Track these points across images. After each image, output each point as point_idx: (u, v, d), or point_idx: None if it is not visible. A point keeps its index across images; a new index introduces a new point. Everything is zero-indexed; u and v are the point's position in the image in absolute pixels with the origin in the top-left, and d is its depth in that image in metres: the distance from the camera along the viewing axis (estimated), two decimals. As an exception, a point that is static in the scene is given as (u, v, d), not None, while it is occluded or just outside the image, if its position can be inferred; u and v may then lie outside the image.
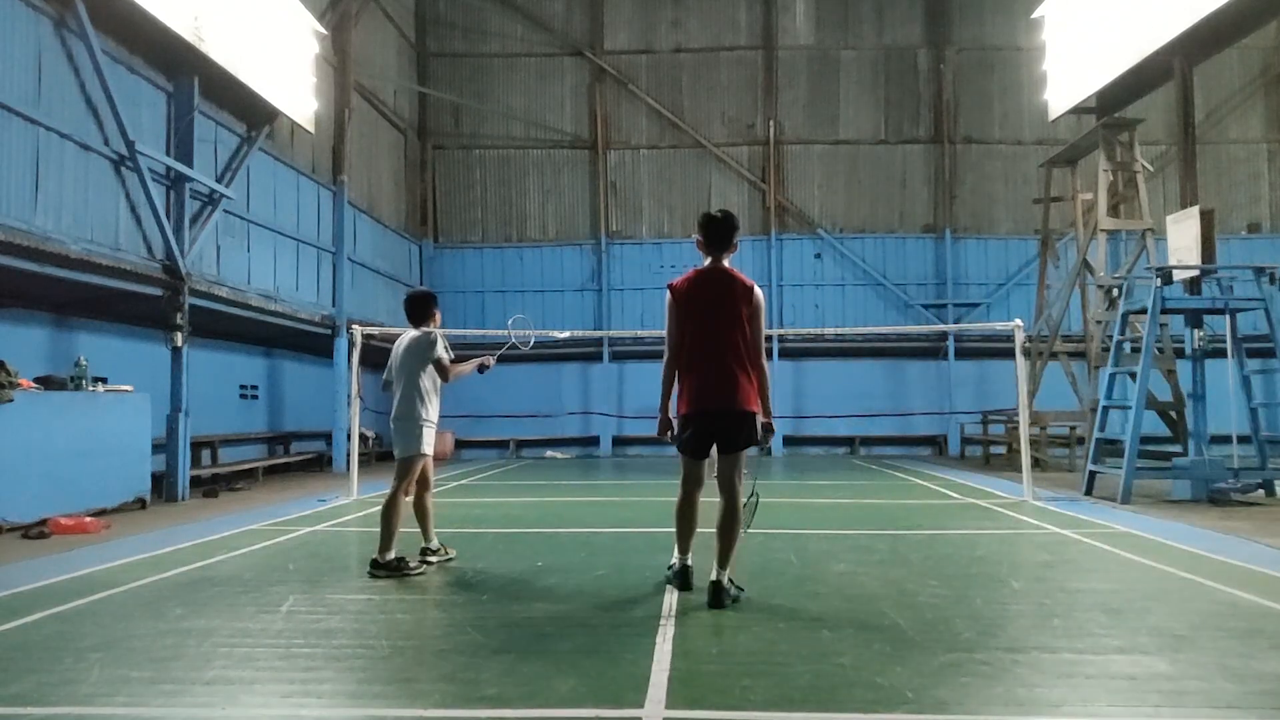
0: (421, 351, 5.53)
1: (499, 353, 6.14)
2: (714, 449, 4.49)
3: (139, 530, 7.47)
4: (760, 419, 4.44)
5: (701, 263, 4.58)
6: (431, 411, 5.56)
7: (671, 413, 4.56)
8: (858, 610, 4.37)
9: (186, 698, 3.12)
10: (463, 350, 19.60)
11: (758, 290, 4.46)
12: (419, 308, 5.77)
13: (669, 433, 4.56)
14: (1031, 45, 16.57)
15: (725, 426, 4.39)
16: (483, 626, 4.05)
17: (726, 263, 4.53)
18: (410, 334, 5.71)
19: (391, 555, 5.28)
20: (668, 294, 4.51)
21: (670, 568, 4.85)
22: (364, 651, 3.68)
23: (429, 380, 5.58)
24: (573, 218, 20.21)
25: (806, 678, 3.29)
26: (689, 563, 4.72)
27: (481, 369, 5.81)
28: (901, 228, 19.86)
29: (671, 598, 4.66)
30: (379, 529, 5.35)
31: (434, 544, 5.73)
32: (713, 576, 4.39)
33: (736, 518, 4.42)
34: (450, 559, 5.73)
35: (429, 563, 5.54)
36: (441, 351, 5.55)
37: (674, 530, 4.72)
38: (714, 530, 4.45)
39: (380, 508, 5.46)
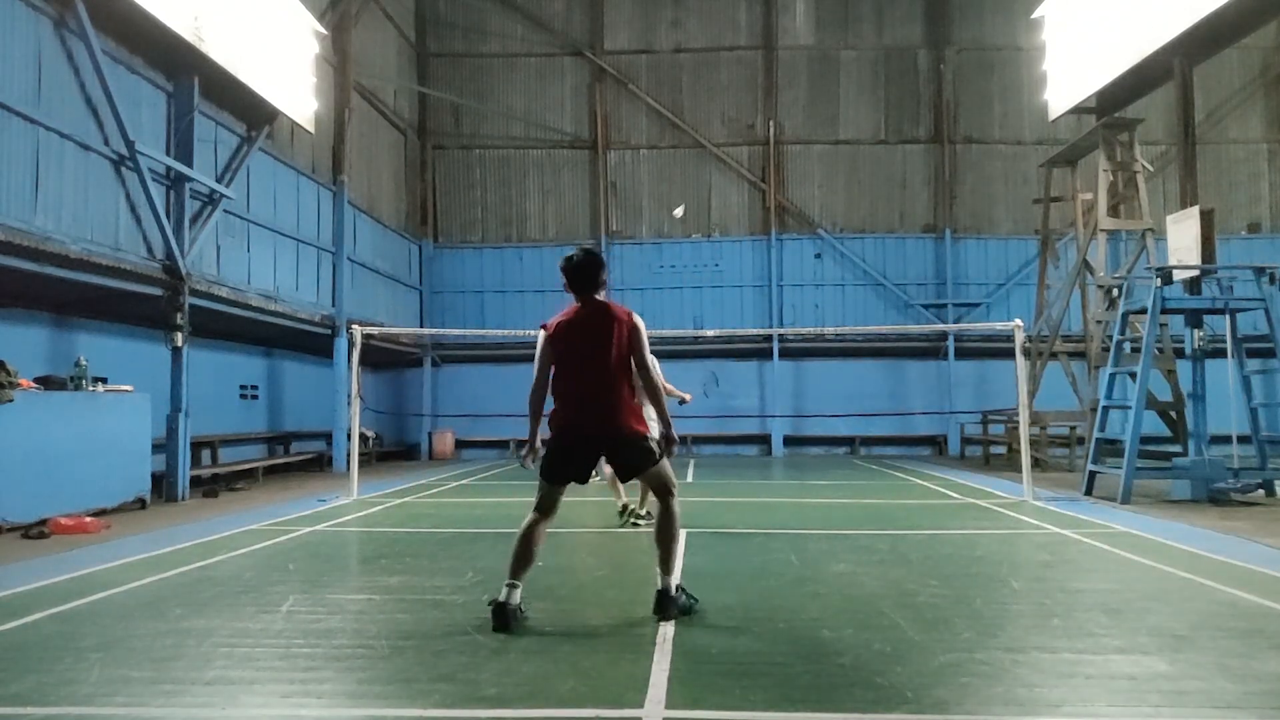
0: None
1: None
2: (592, 473, 4.38)
3: (139, 530, 7.47)
4: (652, 437, 4.31)
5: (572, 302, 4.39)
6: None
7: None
8: (858, 610, 4.37)
9: (186, 698, 3.12)
10: (463, 350, 19.62)
11: (635, 316, 4.37)
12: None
13: (531, 458, 4.45)
14: (1031, 45, 16.57)
15: (611, 449, 4.32)
16: (483, 626, 4.05)
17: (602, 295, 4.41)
18: None
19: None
20: (541, 333, 4.38)
21: (490, 602, 4.10)
22: (364, 651, 3.68)
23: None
24: (573, 218, 20.20)
25: (806, 678, 3.29)
26: (512, 599, 4.03)
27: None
28: (901, 228, 19.86)
29: (671, 598, 4.65)
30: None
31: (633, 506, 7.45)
32: (658, 585, 4.17)
33: (673, 519, 4.23)
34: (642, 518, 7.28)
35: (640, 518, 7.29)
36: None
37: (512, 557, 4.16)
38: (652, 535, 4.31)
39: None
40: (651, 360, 4.40)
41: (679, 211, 7.20)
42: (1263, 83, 19.41)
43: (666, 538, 4.21)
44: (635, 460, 4.28)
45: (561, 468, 4.26)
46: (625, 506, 7.51)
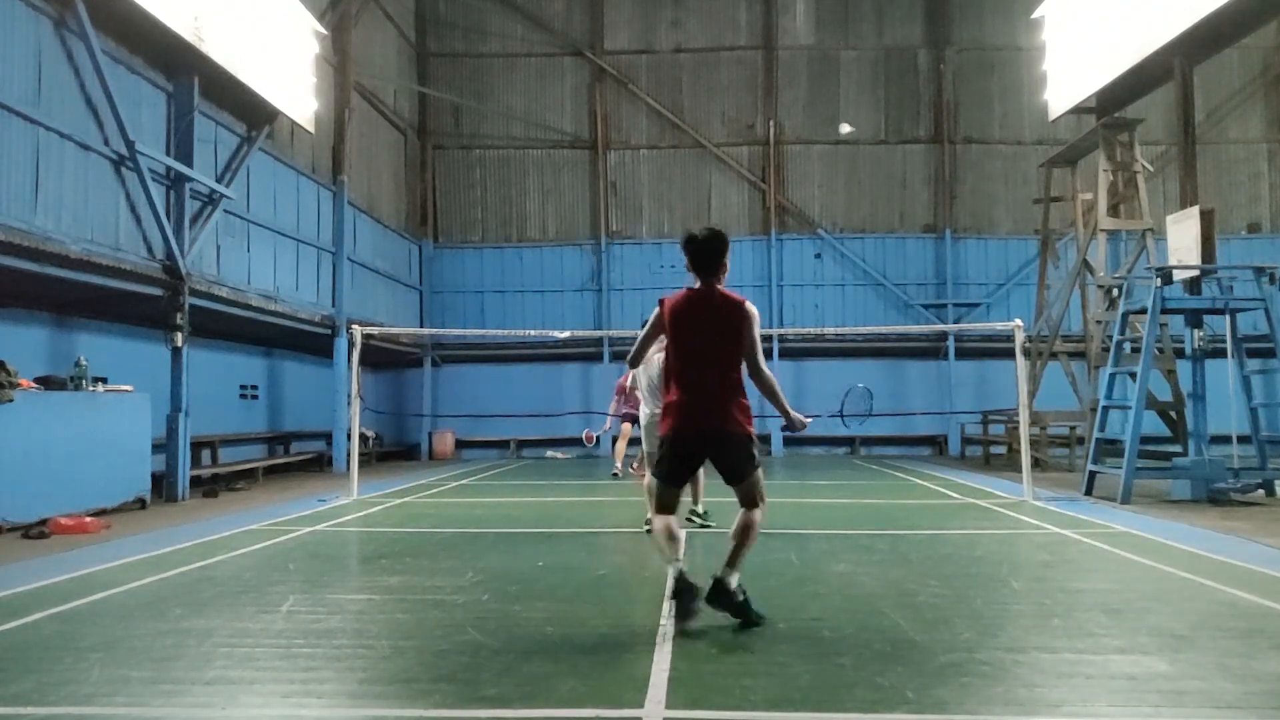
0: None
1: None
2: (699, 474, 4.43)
3: (139, 530, 7.47)
4: (753, 440, 4.18)
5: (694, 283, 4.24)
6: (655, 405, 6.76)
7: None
8: (858, 610, 4.37)
9: (186, 698, 3.12)
10: (463, 350, 19.62)
11: (751, 305, 4.23)
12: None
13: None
14: (1031, 45, 16.56)
15: (716, 450, 4.12)
16: (483, 626, 4.05)
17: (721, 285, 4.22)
18: (659, 355, 6.93)
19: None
20: (657, 307, 4.28)
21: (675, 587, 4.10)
22: (364, 651, 3.68)
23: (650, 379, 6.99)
24: (573, 218, 20.20)
25: (806, 678, 3.29)
26: (684, 571, 4.06)
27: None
28: (901, 228, 19.86)
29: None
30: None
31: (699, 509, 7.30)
32: (717, 574, 4.06)
33: (753, 526, 4.13)
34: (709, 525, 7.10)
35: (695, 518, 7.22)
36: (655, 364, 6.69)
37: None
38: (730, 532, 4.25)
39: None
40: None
41: (845, 128, 7.29)
42: (1263, 83, 19.40)
43: (745, 538, 4.09)
44: (739, 465, 4.09)
45: (679, 469, 4.18)
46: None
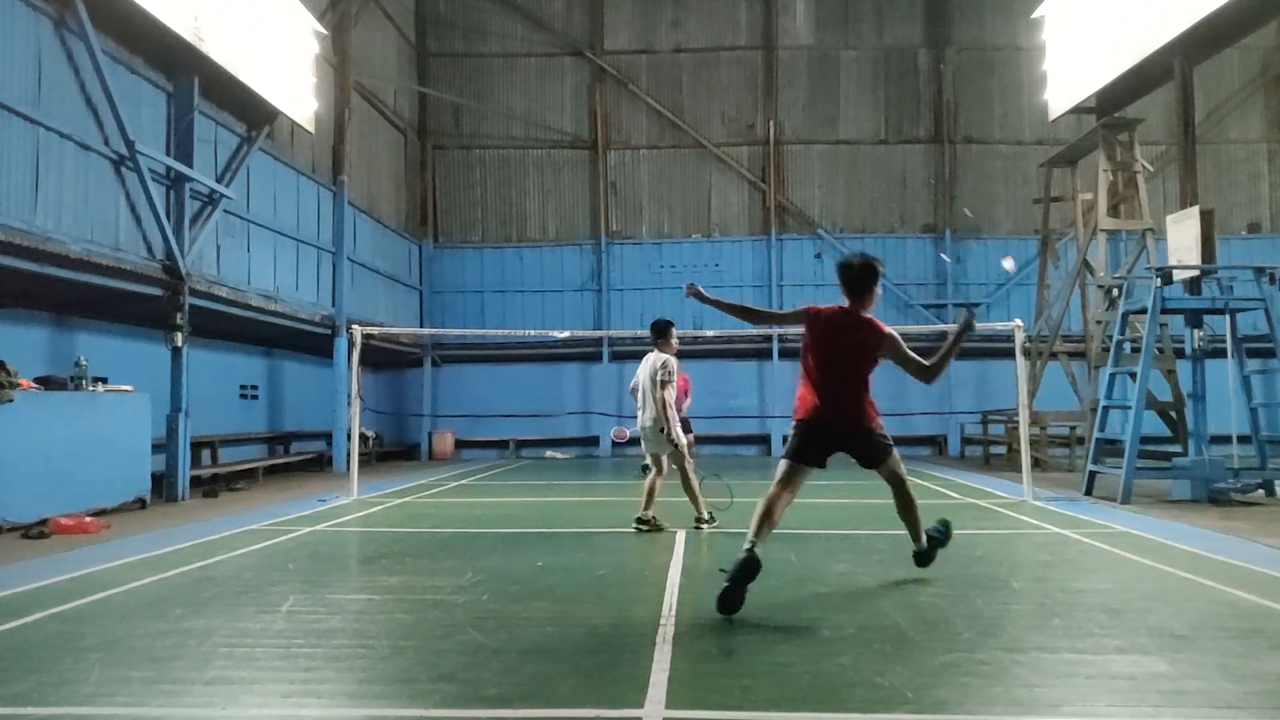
0: (655, 375, 7.03)
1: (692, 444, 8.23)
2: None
3: (139, 530, 7.47)
4: (881, 431, 4.85)
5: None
6: (673, 413, 7.00)
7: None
8: (858, 610, 4.37)
9: (186, 698, 3.12)
10: (463, 350, 19.62)
11: (887, 327, 4.79)
12: (656, 333, 7.23)
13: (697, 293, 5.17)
14: (1031, 45, 16.56)
15: (851, 442, 4.75)
16: (483, 626, 4.05)
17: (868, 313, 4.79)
18: (652, 355, 7.21)
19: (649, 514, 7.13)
20: (804, 306, 4.96)
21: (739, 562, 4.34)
22: (364, 651, 3.68)
23: (669, 389, 7.06)
24: (573, 218, 20.20)
25: (806, 678, 3.29)
26: (756, 550, 4.29)
27: (671, 440, 7.03)
28: (901, 228, 19.86)
29: (672, 598, 4.66)
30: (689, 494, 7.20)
31: (649, 515, 7.18)
32: (915, 548, 5.13)
33: (910, 499, 5.04)
34: (661, 530, 7.10)
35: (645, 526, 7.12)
36: (669, 377, 6.98)
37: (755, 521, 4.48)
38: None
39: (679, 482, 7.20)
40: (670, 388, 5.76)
41: (1008, 263, 7.21)
42: (1263, 83, 19.40)
43: (910, 512, 5.04)
44: (874, 453, 4.80)
45: (804, 449, 4.67)
46: (649, 519, 7.22)
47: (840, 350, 4.74)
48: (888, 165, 19.88)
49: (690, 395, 13.51)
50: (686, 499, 7.27)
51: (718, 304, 5.07)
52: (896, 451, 4.91)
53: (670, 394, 6.94)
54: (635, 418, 7.34)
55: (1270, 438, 9.93)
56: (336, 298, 15.00)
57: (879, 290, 4.89)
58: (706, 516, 7.22)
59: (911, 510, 5.06)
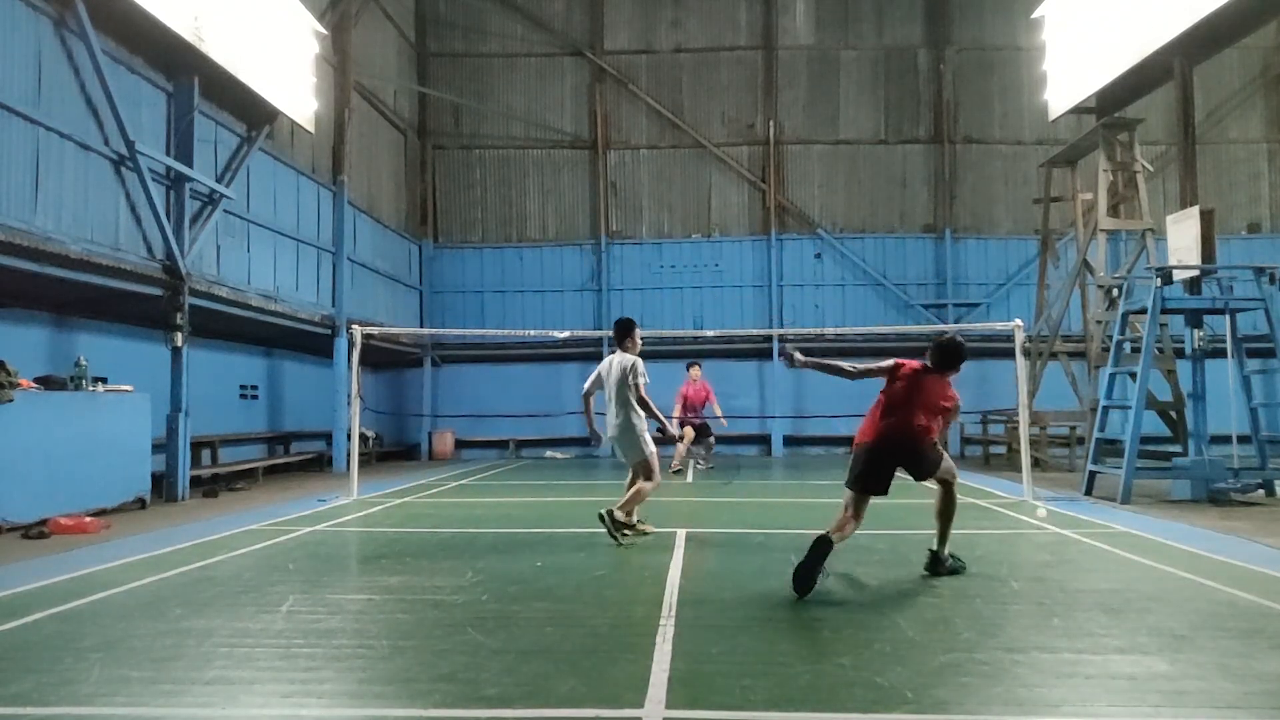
0: (626, 377, 6.72)
1: (676, 432, 7.65)
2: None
3: (139, 530, 7.47)
4: (936, 448, 5.37)
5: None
6: (642, 418, 6.77)
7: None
8: (858, 610, 4.37)
9: (186, 698, 3.12)
10: (463, 350, 19.63)
11: (956, 394, 5.44)
12: (622, 332, 6.97)
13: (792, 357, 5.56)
14: (1031, 45, 16.56)
15: (907, 459, 5.23)
16: (483, 626, 4.05)
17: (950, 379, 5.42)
18: (618, 357, 6.89)
19: (621, 516, 6.51)
20: (892, 361, 5.43)
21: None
22: (364, 651, 3.69)
23: (634, 396, 6.74)
24: (573, 218, 20.19)
25: (806, 678, 3.30)
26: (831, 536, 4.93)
27: (661, 430, 7.01)
28: (901, 228, 19.85)
29: (671, 598, 4.66)
30: (629, 497, 6.65)
31: (635, 519, 6.80)
32: (932, 548, 5.30)
33: (951, 500, 5.34)
34: (646, 533, 6.79)
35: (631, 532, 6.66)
36: (640, 380, 6.73)
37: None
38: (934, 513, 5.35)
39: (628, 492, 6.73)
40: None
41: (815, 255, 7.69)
42: (1263, 83, 19.40)
43: (949, 516, 5.33)
44: (928, 465, 5.29)
45: (869, 470, 5.15)
46: (626, 524, 6.64)
47: (917, 399, 5.28)
48: (888, 165, 19.87)
49: (714, 401, 14.09)
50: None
51: (817, 365, 5.50)
52: (948, 458, 5.43)
53: (649, 399, 6.70)
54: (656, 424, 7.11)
55: (1270, 438, 9.94)
56: (336, 298, 15.00)
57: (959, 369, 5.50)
58: (627, 519, 6.55)
59: (949, 515, 5.36)
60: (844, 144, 19.90)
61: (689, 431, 13.66)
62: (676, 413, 13.59)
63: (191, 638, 3.89)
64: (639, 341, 7.04)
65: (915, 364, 5.39)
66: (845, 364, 5.64)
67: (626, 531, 6.54)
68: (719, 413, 14.05)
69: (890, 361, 5.44)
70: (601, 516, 6.43)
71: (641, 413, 6.72)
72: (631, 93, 19.91)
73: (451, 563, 5.80)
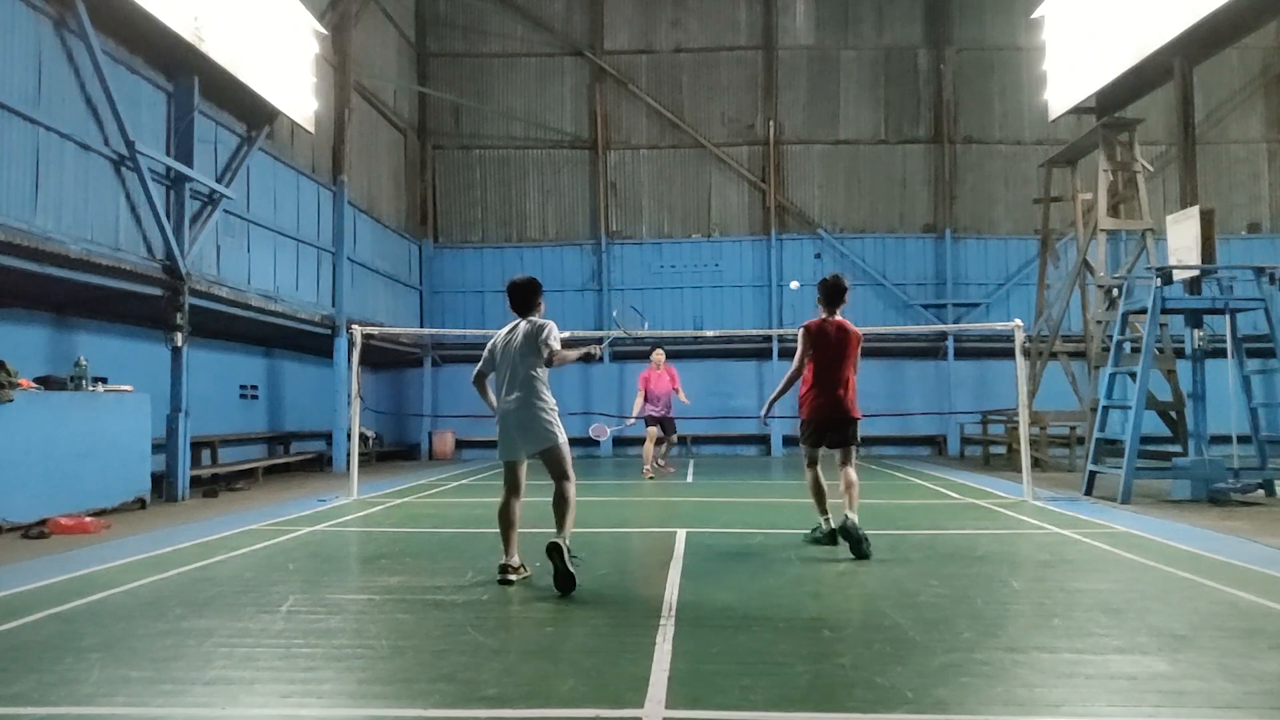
0: (541, 338, 5.22)
1: (604, 345, 6.72)
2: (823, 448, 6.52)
3: (139, 530, 7.47)
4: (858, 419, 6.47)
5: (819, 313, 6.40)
6: (553, 399, 5.34)
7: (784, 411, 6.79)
8: (858, 610, 4.37)
9: (186, 698, 3.12)
10: (463, 350, 19.61)
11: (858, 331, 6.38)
12: (528, 295, 5.47)
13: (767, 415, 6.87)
14: (1031, 45, 16.56)
15: (840, 429, 6.41)
16: (483, 626, 4.05)
17: (839, 315, 6.34)
18: (526, 320, 5.40)
19: (566, 541, 4.98)
20: (802, 329, 6.36)
21: (815, 529, 6.53)
22: (364, 651, 3.68)
23: (544, 369, 5.30)
24: (573, 218, 20.20)
25: (806, 678, 3.29)
26: (833, 524, 6.23)
27: (588, 358, 5.68)
28: (901, 228, 19.86)
29: (672, 597, 4.66)
30: (558, 517, 5.15)
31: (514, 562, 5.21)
32: (847, 523, 5.90)
33: (854, 482, 6.18)
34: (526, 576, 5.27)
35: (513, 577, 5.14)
36: (555, 338, 5.24)
37: (812, 501, 6.58)
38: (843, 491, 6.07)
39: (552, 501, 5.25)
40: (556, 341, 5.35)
41: (794, 284, 7.40)
42: (1263, 83, 19.40)
43: (854, 491, 6.16)
44: (851, 435, 6.46)
45: (818, 436, 6.49)
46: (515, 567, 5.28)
47: (835, 351, 6.39)
48: (888, 165, 19.88)
49: (679, 389, 12.78)
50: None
51: (776, 399, 6.66)
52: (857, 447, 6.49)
53: (569, 351, 5.34)
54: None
55: (1270, 438, 9.93)
56: (336, 298, 15.00)
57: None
58: (565, 545, 4.98)
59: (854, 488, 6.25)
60: (844, 144, 19.91)
61: (653, 431, 12.74)
62: (637, 408, 12.75)
63: (191, 638, 3.89)
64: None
65: (816, 321, 6.35)
66: (785, 378, 6.57)
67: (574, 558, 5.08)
68: (685, 399, 13.07)
69: (800, 334, 6.35)
70: (552, 554, 4.93)
71: (550, 396, 5.30)
72: (631, 93, 19.91)
73: (451, 563, 5.80)
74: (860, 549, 5.78)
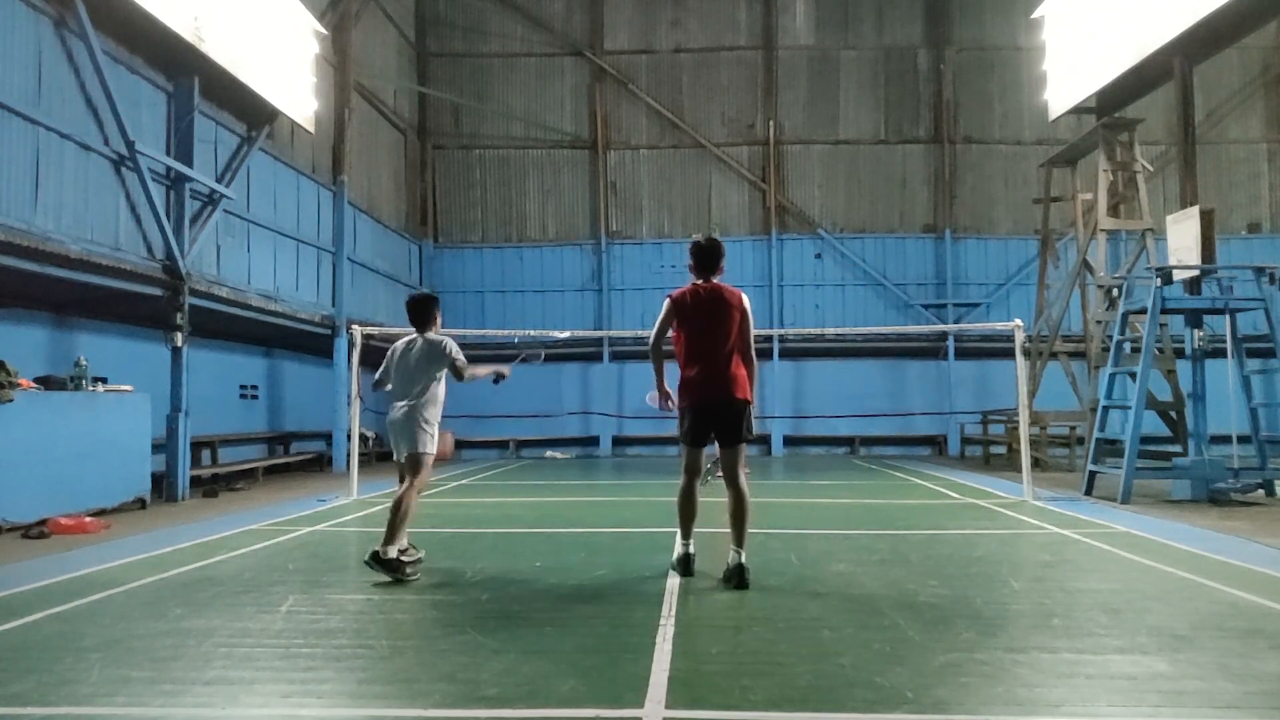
0: (441, 356, 5.64)
1: (514, 365, 6.42)
2: (714, 444, 5.15)
3: (139, 530, 7.46)
4: (752, 406, 5.11)
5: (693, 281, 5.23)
6: (438, 414, 5.77)
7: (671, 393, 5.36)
8: (858, 610, 4.37)
9: (186, 698, 3.12)
10: (463, 350, 19.63)
11: (745, 297, 5.18)
12: (425, 311, 5.81)
13: (668, 401, 5.33)
14: (1031, 45, 16.57)
15: (723, 417, 5.02)
16: (483, 626, 4.05)
17: (716, 280, 5.18)
18: (423, 338, 5.74)
19: (394, 552, 5.14)
20: (666, 301, 5.17)
21: (676, 557, 5.33)
22: (364, 651, 3.68)
23: (441, 385, 5.76)
24: (573, 218, 20.21)
25: (806, 678, 3.29)
26: (691, 550, 5.25)
27: (497, 379, 5.95)
28: (901, 228, 19.86)
29: (671, 597, 4.66)
30: (388, 521, 5.26)
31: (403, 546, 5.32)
32: (738, 561, 4.90)
33: (746, 504, 5.00)
34: (419, 559, 5.39)
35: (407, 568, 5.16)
36: (460, 355, 5.68)
37: (677, 521, 5.27)
38: (728, 519, 5.05)
39: (391, 503, 5.38)
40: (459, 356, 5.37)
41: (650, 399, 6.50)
42: (1263, 83, 19.41)
43: (745, 519, 5.00)
44: (740, 429, 5.02)
45: (699, 432, 5.07)
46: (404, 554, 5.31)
47: (711, 322, 5.10)
48: (888, 165, 19.89)
49: None
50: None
51: (660, 384, 5.35)
52: (745, 450, 5.23)
53: (477, 368, 5.71)
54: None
55: (1270, 438, 9.94)
56: (336, 298, 15.00)
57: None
58: (395, 555, 5.11)
59: (744, 516, 5.03)
60: (844, 144, 19.92)
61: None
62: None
63: (191, 638, 3.89)
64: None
65: (685, 289, 5.13)
66: (653, 358, 5.26)
67: (407, 570, 5.13)
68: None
69: (665, 305, 5.13)
70: (369, 564, 5.05)
71: (437, 409, 5.66)
72: (631, 93, 19.92)
73: (451, 563, 5.79)
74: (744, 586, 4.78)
